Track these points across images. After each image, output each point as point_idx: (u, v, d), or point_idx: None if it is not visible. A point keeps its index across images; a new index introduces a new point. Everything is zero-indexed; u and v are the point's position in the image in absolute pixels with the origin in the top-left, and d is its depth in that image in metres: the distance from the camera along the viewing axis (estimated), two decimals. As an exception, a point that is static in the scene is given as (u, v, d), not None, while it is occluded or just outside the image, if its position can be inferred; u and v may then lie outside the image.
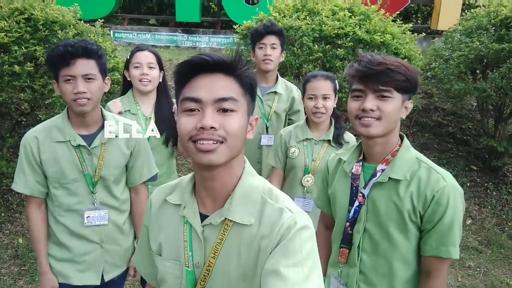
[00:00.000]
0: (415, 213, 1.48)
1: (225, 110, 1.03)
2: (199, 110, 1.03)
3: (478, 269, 3.94)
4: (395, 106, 1.47)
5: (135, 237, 2.21)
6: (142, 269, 1.33)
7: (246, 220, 1.08)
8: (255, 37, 2.88)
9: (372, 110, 1.45)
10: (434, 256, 1.49)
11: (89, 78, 1.85)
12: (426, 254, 1.51)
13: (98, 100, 1.94)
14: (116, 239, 2.08)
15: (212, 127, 1.00)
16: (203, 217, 1.12)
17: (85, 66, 1.83)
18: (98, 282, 2.04)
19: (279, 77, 3.01)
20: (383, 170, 1.55)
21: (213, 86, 1.03)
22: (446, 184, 1.46)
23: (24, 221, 4.06)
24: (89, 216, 1.98)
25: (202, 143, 1.01)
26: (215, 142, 1.01)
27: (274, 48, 2.84)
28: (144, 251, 1.29)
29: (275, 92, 2.93)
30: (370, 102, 1.45)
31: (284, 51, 2.99)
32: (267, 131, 2.93)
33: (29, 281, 3.44)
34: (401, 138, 1.60)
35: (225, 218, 1.09)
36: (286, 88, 3.01)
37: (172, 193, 1.21)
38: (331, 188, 1.74)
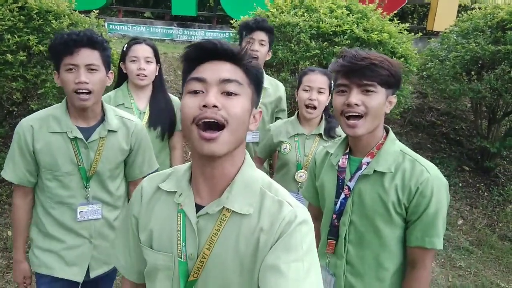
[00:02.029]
0: (400, 205, 1.52)
1: (229, 94, 1.03)
2: (203, 92, 1.03)
3: (469, 270, 3.97)
4: (380, 101, 1.49)
5: None
6: (121, 261, 1.26)
7: (245, 210, 1.06)
8: (245, 30, 2.82)
9: (357, 105, 1.47)
10: (418, 247, 1.52)
11: (92, 69, 1.79)
12: (411, 244, 1.54)
13: (100, 93, 1.87)
14: (106, 235, 2.02)
15: (215, 106, 0.99)
16: (198, 208, 1.10)
17: (88, 56, 1.78)
18: (81, 279, 1.97)
19: (264, 73, 2.97)
20: (368, 163, 1.57)
21: (218, 69, 1.04)
22: (430, 176, 1.49)
23: (14, 213, 4.01)
24: (82, 211, 1.93)
25: (205, 130, 0.99)
26: (218, 128, 1.00)
27: (262, 44, 2.80)
28: (127, 242, 1.24)
29: None
30: (355, 96, 1.47)
31: (271, 51, 2.93)
32: None
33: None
34: (387, 131, 1.63)
35: (223, 208, 1.07)
36: (271, 84, 2.97)
37: (165, 181, 1.17)
38: (319, 181, 1.76)
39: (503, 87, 4.49)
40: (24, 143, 1.86)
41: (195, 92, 1.03)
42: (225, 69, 1.04)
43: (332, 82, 2.46)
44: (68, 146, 1.87)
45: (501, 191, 5.11)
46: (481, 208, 4.91)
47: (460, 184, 5.13)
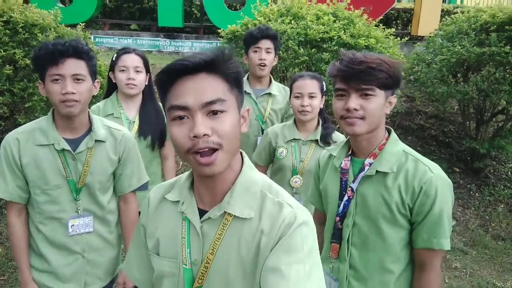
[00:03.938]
0: (404, 206, 1.50)
1: (215, 113, 0.99)
2: (188, 117, 1.00)
3: (464, 270, 3.97)
4: (379, 104, 1.48)
5: (122, 250, 2.11)
6: (137, 274, 1.26)
7: (246, 214, 1.05)
8: (250, 40, 2.85)
9: (356, 110, 1.46)
10: (426, 249, 1.50)
11: (78, 79, 1.75)
12: (418, 246, 1.51)
13: (87, 103, 1.84)
14: (99, 250, 1.97)
15: (205, 135, 0.97)
16: (202, 212, 1.10)
17: (74, 66, 1.74)
18: None
19: (273, 80, 3.01)
20: (370, 164, 1.56)
21: (198, 90, 0.99)
22: (433, 175, 1.47)
23: (3, 229, 3.92)
24: (73, 225, 1.88)
25: (202, 156, 0.98)
26: (213, 151, 0.98)
27: (268, 52, 2.83)
28: (140, 253, 1.24)
29: (269, 94, 2.92)
30: (354, 101, 1.46)
31: (277, 55, 2.98)
32: (262, 133, 2.90)
33: (8, 291, 3.31)
34: (389, 131, 1.62)
35: (225, 212, 1.06)
36: (280, 91, 3.00)
37: (170, 191, 1.18)
38: (322, 184, 1.76)
39: (490, 88, 4.56)
40: (11, 157, 1.81)
41: (180, 118, 1.00)
42: (204, 88, 0.99)
43: (324, 84, 2.49)
44: (56, 159, 1.83)
45: (492, 191, 5.15)
46: (473, 208, 4.94)
47: (452, 186, 5.16)
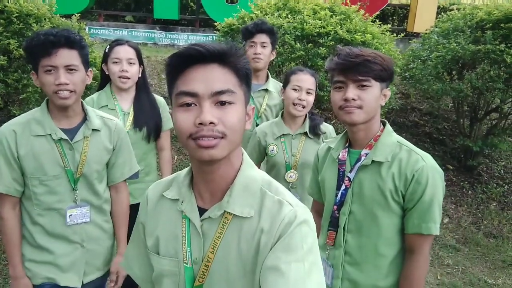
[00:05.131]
0: (397, 193, 1.58)
1: (222, 103, 0.99)
2: (195, 104, 0.99)
3: (456, 267, 4.01)
4: (375, 94, 1.58)
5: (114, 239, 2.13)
6: (136, 271, 1.25)
7: (246, 213, 1.04)
8: (246, 35, 2.86)
9: (353, 99, 1.55)
10: (416, 233, 1.58)
11: (71, 69, 1.75)
12: (409, 231, 1.60)
13: (81, 93, 1.84)
14: (97, 239, 1.99)
15: (211, 123, 0.96)
16: (201, 211, 1.09)
17: (67, 56, 1.74)
18: (79, 284, 1.94)
19: (270, 77, 3.00)
20: (367, 154, 1.64)
21: (209, 78, 0.99)
22: (425, 164, 1.56)
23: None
24: (71, 215, 1.89)
25: (203, 140, 0.97)
26: (215, 138, 0.98)
27: (264, 46, 2.83)
28: (140, 251, 1.23)
29: (266, 90, 2.92)
30: (352, 92, 1.56)
31: (275, 50, 2.97)
32: None
33: (1, 283, 3.29)
34: (384, 124, 1.71)
35: (225, 211, 1.06)
36: (276, 88, 2.99)
37: (169, 188, 1.17)
38: (321, 175, 1.84)
39: (484, 85, 4.58)
40: (8, 149, 1.80)
41: (187, 105, 0.99)
42: (215, 78, 0.99)
43: (316, 82, 2.51)
44: (53, 149, 1.83)
45: (484, 189, 5.19)
46: (466, 206, 4.98)
47: (445, 183, 5.18)
